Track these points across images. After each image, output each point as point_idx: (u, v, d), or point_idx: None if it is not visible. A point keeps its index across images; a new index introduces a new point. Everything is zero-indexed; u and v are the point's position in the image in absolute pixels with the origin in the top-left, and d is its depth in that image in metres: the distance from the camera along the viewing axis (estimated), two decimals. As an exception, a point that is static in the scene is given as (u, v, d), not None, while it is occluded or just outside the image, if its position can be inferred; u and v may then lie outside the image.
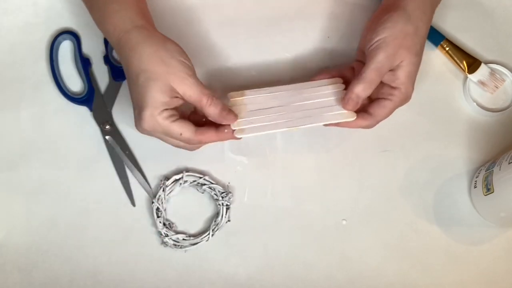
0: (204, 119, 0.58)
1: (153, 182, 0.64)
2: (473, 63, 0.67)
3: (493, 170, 0.59)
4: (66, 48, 0.68)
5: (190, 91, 0.54)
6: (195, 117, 0.59)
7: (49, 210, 0.63)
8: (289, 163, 0.65)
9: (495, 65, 0.68)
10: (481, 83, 0.67)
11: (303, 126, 0.58)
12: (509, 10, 0.71)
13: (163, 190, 0.62)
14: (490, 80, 0.67)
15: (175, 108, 0.56)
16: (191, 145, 0.58)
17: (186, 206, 0.63)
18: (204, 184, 0.63)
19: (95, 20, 0.59)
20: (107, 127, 0.65)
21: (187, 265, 0.62)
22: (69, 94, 0.66)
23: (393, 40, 0.55)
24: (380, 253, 0.62)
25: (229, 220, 0.62)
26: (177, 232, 0.62)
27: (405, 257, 0.62)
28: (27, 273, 0.61)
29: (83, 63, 0.67)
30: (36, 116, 0.65)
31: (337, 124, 0.59)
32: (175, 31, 0.64)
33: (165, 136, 0.56)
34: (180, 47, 0.56)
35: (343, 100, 0.58)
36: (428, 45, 0.69)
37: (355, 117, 0.58)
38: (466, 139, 0.66)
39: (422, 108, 0.67)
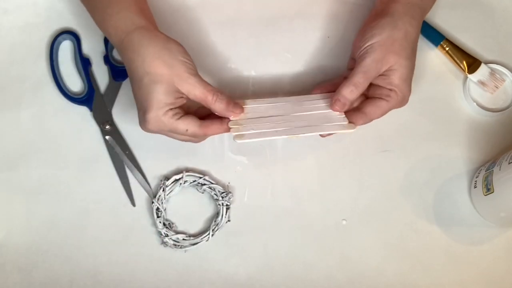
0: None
1: (153, 182, 0.64)
2: (473, 63, 0.67)
3: (493, 170, 0.59)
4: (66, 48, 0.68)
5: (195, 91, 0.55)
6: (202, 111, 0.60)
7: (49, 210, 0.63)
8: (289, 163, 0.65)
9: (495, 65, 0.68)
10: (481, 83, 0.67)
11: (302, 135, 0.58)
12: (509, 10, 0.71)
13: (163, 190, 0.62)
14: (490, 80, 0.67)
15: (180, 106, 0.56)
16: (197, 139, 0.59)
17: (186, 206, 0.63)
18: (204, 184, 0.63)
19: (96, 22, 0.59)
20: (107, 127, 0.65)
21: (187, 265, 0.62)
22: (69, 94, 0.66)
23: (380, 46, 0.57)
24: (380, 253, 0.62)
25: (229, 220, 0.62)
26: (177, 232, 0.62)
27: (405, 257, 0.62)
28: (27, 273, 0.61)
29: (83, 63, 0.67)
30: (36, 116, 0.65)
31: (330, 134, 0.60)
32: (175, 31, 0.64)
33: (171, 133, 0.57)
34: (182, 46, 0.56)
35: (331, 102, 0.59)
36: (428, 45, 0.69)
37: (356, 128, 0.58)
38: (466, 139, 0.66)
39: (422, 108, 0.67)
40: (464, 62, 0.67)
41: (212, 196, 0.63)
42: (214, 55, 0.68)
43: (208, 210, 0.64)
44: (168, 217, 0.63)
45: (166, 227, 0.62)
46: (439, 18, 0.70)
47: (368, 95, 0.60)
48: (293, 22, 0.69)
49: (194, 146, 0.64)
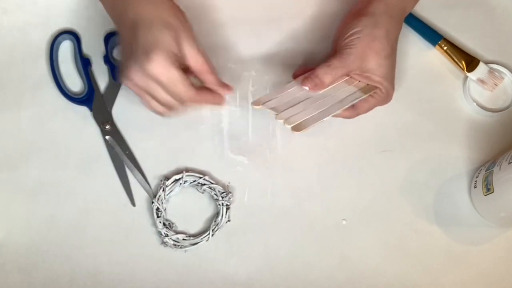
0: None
1: (153, 182, 0.64)
2: (471, 62, 0.67)
3: (493, 170, 0.59)
4: (66, 48, 0.68)
5: (197, 56, 0.56)
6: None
7: (49, 210, 0.63)
8: (289, 163, 0.65)
9: (494, 65, 0.68)
10: (480, 81, 0.67)
11: (345, 107, 0.58)
12: (509, 10, 0.71)
13: (163, 190, 0.62)
14: (489, 78, 0.67)
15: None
16: (177, 103, 0.56)
17: (186, 206, 0.63)
18: (204, 184, 0.63)
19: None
20: (107, 127, 0.65)
21: (187, 265, 0.62)
22: (69, 94, 0.66)
23: (360, 41, 0.58)
24: (380, 253, 0.62)
25: (229, 220, 0.62)
26: (177, 232, 0.62)
27: (405, 257, 0.62)
28: (27, 273, 0.61)
29: (83, 63, 0.67)
30: (36, 116, 0.65)
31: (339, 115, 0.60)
32: (175, 31, 0.64)
33: (157, 86, 0.54)
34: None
35: (304, 77, 0.60)
36: (426, 45, 0.69)
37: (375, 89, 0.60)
38: (466, 139, 0.66)
39: (422, 108, 0.67)
40: (463, 61, 0.67)
41: (212, 196, 0.63)
42: (214, 55, 0.68)
43: (208, 210, 0.63)
44: (168, 217, 0.63)
45: (166, 227, 0.62)
46: (439, 18, 0.70)
47: None
48: (293, 22, 0.69)
49: (194, 146, 0.64)
